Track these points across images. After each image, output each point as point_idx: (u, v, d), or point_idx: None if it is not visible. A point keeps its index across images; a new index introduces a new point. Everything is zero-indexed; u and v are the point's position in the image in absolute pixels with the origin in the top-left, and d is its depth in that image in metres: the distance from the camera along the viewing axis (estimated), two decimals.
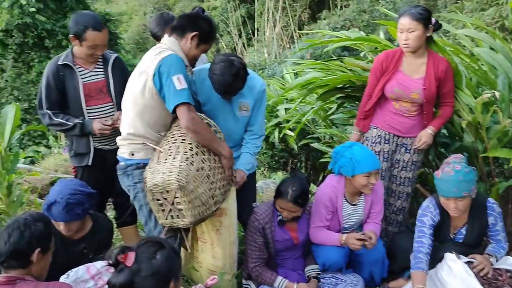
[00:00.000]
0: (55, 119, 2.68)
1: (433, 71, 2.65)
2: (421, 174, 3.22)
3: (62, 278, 2.18)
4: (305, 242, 2.70)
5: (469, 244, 2.47)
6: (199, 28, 2.35)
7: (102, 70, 2.76)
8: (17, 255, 1.73)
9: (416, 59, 2.69)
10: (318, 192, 2.70)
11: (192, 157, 2.22)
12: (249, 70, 2.63)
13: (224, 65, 2.37)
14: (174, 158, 2.21)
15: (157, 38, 2.96)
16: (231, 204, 2.57)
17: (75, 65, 2.68)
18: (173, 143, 2.29)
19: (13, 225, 1.76)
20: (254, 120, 2.70)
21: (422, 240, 2.42)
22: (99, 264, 2.31)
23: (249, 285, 2.66)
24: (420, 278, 2.31)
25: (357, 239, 2.46)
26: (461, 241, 2.50)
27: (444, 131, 3.10)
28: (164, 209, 2.24)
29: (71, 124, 2.65)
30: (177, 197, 2.17)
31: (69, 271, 2.22)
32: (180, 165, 2.17)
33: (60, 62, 2.67)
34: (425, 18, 2.56)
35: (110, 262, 1.50)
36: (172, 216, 2.23)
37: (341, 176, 2.64)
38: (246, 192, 2.75)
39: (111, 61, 2.79)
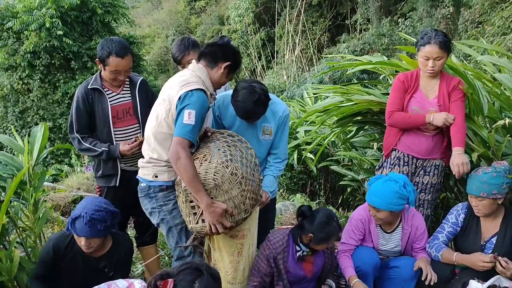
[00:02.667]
0: (84, 143, 2.77)
1: (446, 88, 2.72)
2: (443, 198, 3.19)
3: None
4: (318, 275, 2.62)
5: (500, 256, 2.40)
6: (231, 58, 2.40)
7: (129, 92, 2.85)
8: None
9: (431, 79, 2.75)
10: (352, 214, 2.76)
11: (227, 162, 2.27)
12: (272, 96, 2.68)
13: (246, 92, 2.42)
14: (210, 162, 2.29)
15: (178, 62, 3.04)
16: (252, 225, 2.58)
17: (103, 88, 2.78)
18: (208, 151, 2.36)
19: None
20: (278, 143, 2.74)
21: (438, 235, 2.62)
22: (121, 283, 2.34)
23: None
24: (450, 253, 2.50)
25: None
26: (490, 251, 2.46)
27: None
28: (196, 212, 2.27)
29: (99, 150, 2.74)
30: (211, 198, 2.21)
31: None
32: (216, 166, 2.25)
33: (90, 87, 2.76)
34: (450, 46, 2.65)
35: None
36: (203, 220, 2.25)
37: None
38: (266, 218, 2.76)
39: (137, 84, 2.88)
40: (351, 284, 2.47)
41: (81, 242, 2.35)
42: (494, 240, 2.48)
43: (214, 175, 2.22)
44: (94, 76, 2.83)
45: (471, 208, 2.54)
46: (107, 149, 2.73)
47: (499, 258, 2.30)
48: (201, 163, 2.30)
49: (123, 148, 2.72)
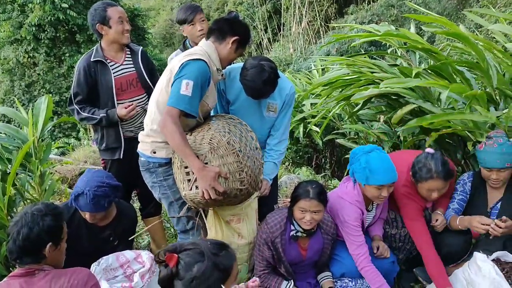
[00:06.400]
0: (82, 113, 2.76)
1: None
2: None
3: (93, 265, 2.25)
4: (315, 260, 2.54)
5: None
6: (239, 33, 2.35)
7: (131, 62, 2.82)
8: (29, 251, 1.73)
9: None
10: (344, 213, 2.45)
11: (224, 133, 2.27)
12: (280, 73, 2.63)
13: (255, 71, 2.37)
14: (207, 131, 2.30)
15: (191, 21, 2.98)
16: (249, 211, 2.57)
17: (106, 59, 2.75)
18: (207, 125, 2.37)
19: (21, 222, 1.75)
20: (280, 123, 2.70)
21: (450, 205, 2.61)
22: (129, 254, 2.38)
23: None
24: (455, 218, 2.49)
25: None
26: (495, 217, 2.46)
27: None
28: (190, 179, 2.24)
29: (98, 117, 2.73)
30: (206, 163, 2.20)
31: (100, 259, 2.29)
32: (213, 133, 2.25)
33: (92, 59, 2.73)
34: (452, 175, 2.43)
35: (158, 258, 1.52)
36: (196, 186, 2.21)
37: (356, 183, 2.50)
38: (269, 194, 2.72)
39: (139, 53, 2.86)
40: None
41: (86, 215, 2.39)
42: (498, 205, 2.50)
43: (210, 139, 2.22)
44: (94, 48, 2.79)
45: (477, 176, 2.54)
46: (105, 114, 2.73)
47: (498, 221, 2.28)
48: (198, 132, 2.32)
49: (120, 112, 2.71)
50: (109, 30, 2.70)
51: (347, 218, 2.44)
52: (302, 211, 2.32)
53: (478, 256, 2.28)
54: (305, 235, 2.41)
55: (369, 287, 2.48)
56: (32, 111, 2.94)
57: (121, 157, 2.84)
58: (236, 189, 2.24)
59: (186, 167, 2.24)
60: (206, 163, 2.19)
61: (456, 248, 2.54)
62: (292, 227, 2.41)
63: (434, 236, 2.60)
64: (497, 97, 2.74)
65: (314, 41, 13.92)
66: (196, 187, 2.21)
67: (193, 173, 2.21)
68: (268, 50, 15.57)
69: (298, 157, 5.75)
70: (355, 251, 2.44)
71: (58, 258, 1.86)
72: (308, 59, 11.37)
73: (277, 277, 2.48)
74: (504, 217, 2.28)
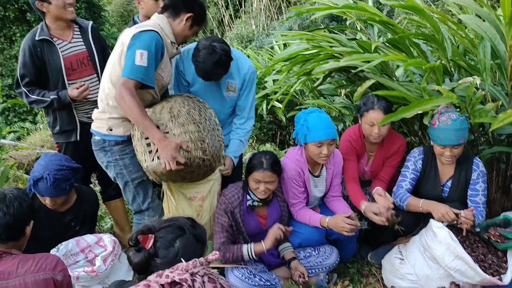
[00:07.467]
0: (31, 96, 2.63)
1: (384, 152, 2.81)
2: (408, 143, 3.24)
3: (53, 251, 2.19)
4: None
5: (454, 199, 2.51)
6: (194, 9, 2.31)
7: (81, 40, 2.69)
8: (15, 227, 1.73)
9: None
10: (285, 169, 2.57)
11: (184, 104, 2.29)
12: (239, 53, 2.63)
13: (206, 52, 2.35)
14: (167, 103, 2.31)
15: None
16: (213, 188, 2.58)
17: (52, 38, 2.60)
18: (165, 100, 2.38)
19: (8, 198, 1.73)
20: (244, 103, 2.68)
21: (401, 184, 2.62)
22: (89, 238, 2.33)
23: None
24: (416, 200, 2.48)
25: (347, 220, 2.39)
26: (446, 194, 2.55)
27: None
28: (151, 150, 2.21)
29: (48, 100, 2.60)
30: (167, 132, 2.19)
31: (59, 245, 2.23)
32: (173, 104, 2.27)
33: (37, 38, 2.58)
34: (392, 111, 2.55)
35: (131, 242, 1.46)
36: (158, 157, 2.18)
37: (301, 146, 2.59)
38: (234, 172, 2.74)
39: (89, 30, 2.72)
40: (325, 225, 2.48)
41: (46, 201, 2.31)
42: (449, 183, 2.55)
43: (170, 108, 2.23)
44: (39, 26, 2.63)
45: (428, 153, 2.59)
46: (56, 96, 2.60)
47: (460, 212, 2.30)
48: (157, 105, 2.32)
49: (72, 92, 2.58)
50: (49, 6, 2.54)
51: (285, 175, 2.55)
52: (256, 181, 2.40)
53: (434, 223, 2.36)
54: (261, 204, 2.49)
55: (331, 254, 2.60)
56: None
57: (78, 139, 2.73)
58: (198, 157, 2.23)
59: (146, 138, 2.21)
60: (167, 133, 2.17)
61: (406, 222, 2.55)
62: (248, 197, 2.48)
63: None
64: (452, 69, 2.81)
65: (276, 17, 13.79)
66: (158, 158, 2.18)
67: (154, 144, 2.18)
68: (230, 27, 15.31)
69: (262, 134, 5.76)
70: (292, 207, 2.60)
71: (25, 241, 1.83)
72: (270, 35, 11.29)
73: (237, 244, 2.49)
74: (471, 209, 2.33)
